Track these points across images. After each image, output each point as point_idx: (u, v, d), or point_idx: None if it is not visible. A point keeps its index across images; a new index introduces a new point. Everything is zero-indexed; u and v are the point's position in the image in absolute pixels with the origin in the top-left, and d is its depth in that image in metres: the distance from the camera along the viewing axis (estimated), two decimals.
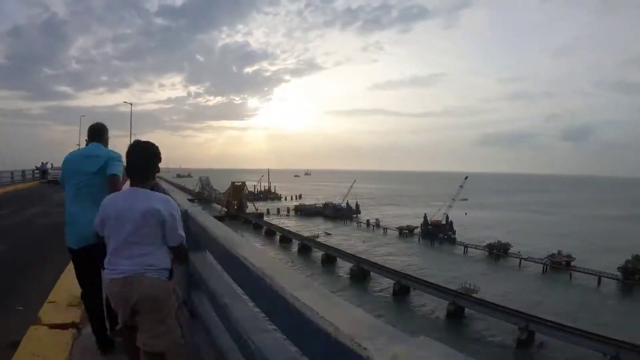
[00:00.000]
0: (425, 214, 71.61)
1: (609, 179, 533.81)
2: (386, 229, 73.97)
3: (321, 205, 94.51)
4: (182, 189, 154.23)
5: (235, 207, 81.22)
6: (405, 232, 72.28)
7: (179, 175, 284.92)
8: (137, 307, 2.19)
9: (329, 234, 67.49)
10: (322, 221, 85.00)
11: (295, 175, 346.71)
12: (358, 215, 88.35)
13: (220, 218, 70.16)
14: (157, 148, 2.44)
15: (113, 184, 2.90)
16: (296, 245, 58.32)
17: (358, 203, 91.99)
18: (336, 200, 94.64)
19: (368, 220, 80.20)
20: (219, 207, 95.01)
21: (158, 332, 2.19)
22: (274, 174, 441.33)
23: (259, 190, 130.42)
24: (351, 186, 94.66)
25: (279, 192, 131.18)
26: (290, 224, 76.95)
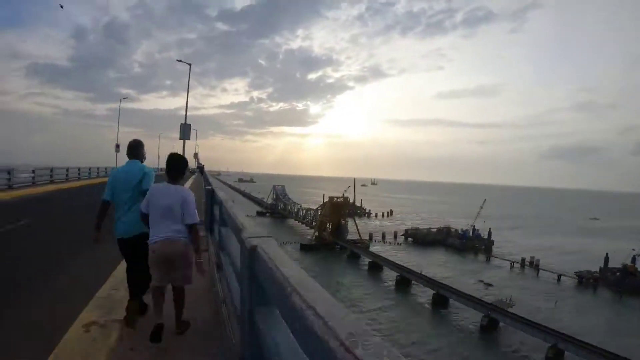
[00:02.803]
0: (606, 255, 50.18)
1: None
2: (560, 275, 48.60)
3: (435, 229, 70.52)
4: (251, 198, 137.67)
5: (331, 231, 59.24)
6: (589, 281, 47.39)
7: (240, 180, 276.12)
8: (172, 258, 3.48)
9: (490, 285, 43.47)
10: (444, 253, 61.43)
11: (363, 185, 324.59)
12: (489, 245, 63.56)
13: (309, 247, 48.04)
14: (185, 159, 3.97)
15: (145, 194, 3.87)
16: (466, 311, 34.98)
17: (490, 230, 66.49)
18: (436, 220, 70.06)
19: (523, 260, 54.91)
20: (298, 224, 74.83)
21: (184, 274, 3.61)
22: (336, 182, 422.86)
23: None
24: (481, 207, 69.15)
25: (365, 206, 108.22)
26: (411, 259, 53.50)
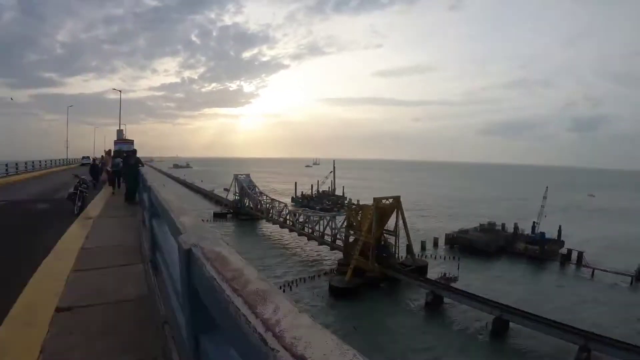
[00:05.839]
0: None
1: None
2: None
3: (478, 230, 51.11)
4: (197, 190, 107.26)
5: (371, 256, 35.55)
6: None
7: (176, 166, 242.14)
8: None
9: None
10: (516, 266, 42.68)
11: (307, 166, 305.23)
12: (559, 246, 46.20)
13: (343, 290, 31.20)
14: None
15: None
16: None
17: (560, 228, 48.49)
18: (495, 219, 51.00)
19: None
20: (282, 231, 52.03)
21: None
22: (280, 163, 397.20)
23: (315, 192, 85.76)
24: (545, 197, 50.42)
25: (347, 194, 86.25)
26: (484, 285, 32.77)
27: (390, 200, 36.44)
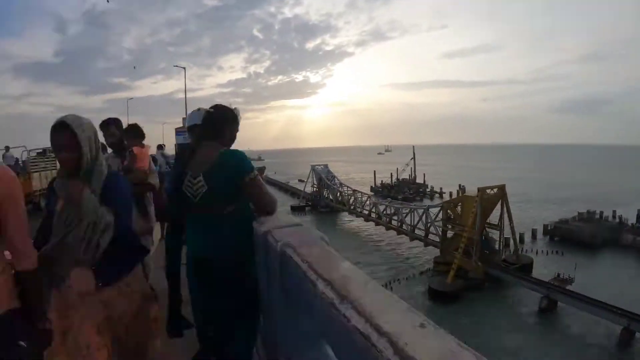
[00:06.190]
0: None
1: None
2: None
3: (577, 220, 43.72)
4: (273, 183, 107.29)
5: (476, 253, 31.02)
6: None
7: None
8: None
9: None
10: (627, 261, 35.75)
11: (379, 153, 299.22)
12: None
13: (445, 295, 29.61)
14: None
15: None
16: None
17: None
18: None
19: None
20: (358, 220, 49.75)
21: None
22: (348, 152, 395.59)
23: (395, 180, 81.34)
24: None
25: (429, 182, 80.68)
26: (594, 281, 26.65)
27: (495, 190, 31.44)
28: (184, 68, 27.93)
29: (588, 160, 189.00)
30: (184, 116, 19.78)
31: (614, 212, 47.49)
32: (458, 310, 26.26)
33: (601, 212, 46.39)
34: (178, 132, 16.73)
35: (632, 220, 42.78)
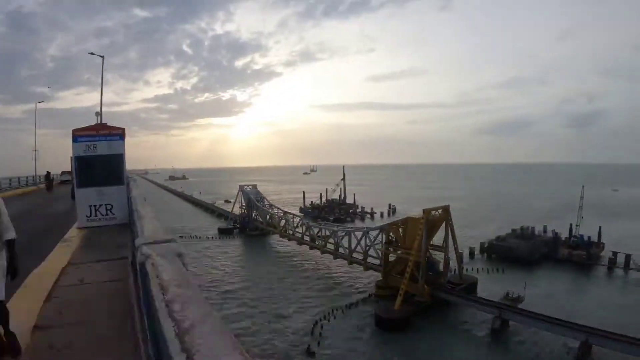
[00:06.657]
0: None
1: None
2: None
3: (512, 237, 46.23)
4: (198, 203, 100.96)
5: (422, 278, 29.66)
6: None
7: (172, 177, 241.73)
8: None
9: None
10: (575, 275, 39.01)
11: (304, 173, 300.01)
12: (601, 249, 42.80)
13: (394, 323, 28.95)
14: None
15: None
16: None
17: (600, 230, 43.86)
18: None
19: None
20: (290, 243, 47.36)
21: None
22: (274, 172, 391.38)
23: (325, 201, 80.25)
24: (581, 197, 46.22)
25: (359, 202, 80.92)
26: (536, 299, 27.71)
27: (440, 211, 31.13)
28: (103, 57, 24.13)
29: (510, 178, 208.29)
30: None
31: (545, 227, 50.90)
32: (409, 338, 24.76)
33: (532, 228, 49.26)
34: (78, 136, 11.05)
35: (565, 234, 45.74)
